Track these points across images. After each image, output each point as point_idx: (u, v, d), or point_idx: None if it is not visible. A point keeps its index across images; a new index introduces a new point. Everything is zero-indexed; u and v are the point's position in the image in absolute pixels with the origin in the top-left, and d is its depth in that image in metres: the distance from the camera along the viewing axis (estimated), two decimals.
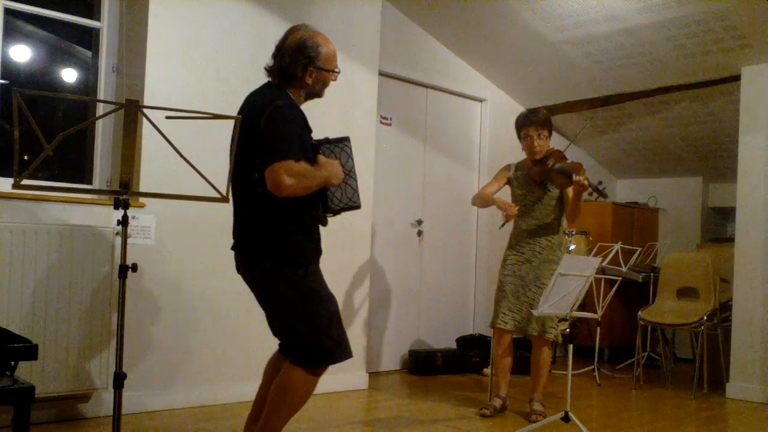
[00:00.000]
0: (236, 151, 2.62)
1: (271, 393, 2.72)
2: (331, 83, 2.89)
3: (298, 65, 2.73)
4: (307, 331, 2.67)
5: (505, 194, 4.34)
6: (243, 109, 2.77)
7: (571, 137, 6.81)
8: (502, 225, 4.10)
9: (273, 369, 2.89)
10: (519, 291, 4.14)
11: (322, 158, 2.71)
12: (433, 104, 5.89)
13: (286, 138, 2.59)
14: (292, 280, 2.66)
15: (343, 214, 2.94)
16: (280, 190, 2.53)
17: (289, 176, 2.52)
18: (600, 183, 3.79)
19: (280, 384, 2.70)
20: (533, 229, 4.17)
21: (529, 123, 4.14)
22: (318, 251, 2.80)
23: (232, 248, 2.81)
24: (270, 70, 2.80)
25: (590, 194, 3.77)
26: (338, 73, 2.87)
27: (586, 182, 3.77)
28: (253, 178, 2.62)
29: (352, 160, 2.85)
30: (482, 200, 4.26)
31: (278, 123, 2.60)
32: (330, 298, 2.77)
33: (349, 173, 2.81)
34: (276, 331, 2.85)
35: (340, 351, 2.74)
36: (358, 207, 2.86)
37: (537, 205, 4.15)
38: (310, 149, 2.70)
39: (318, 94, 2.87)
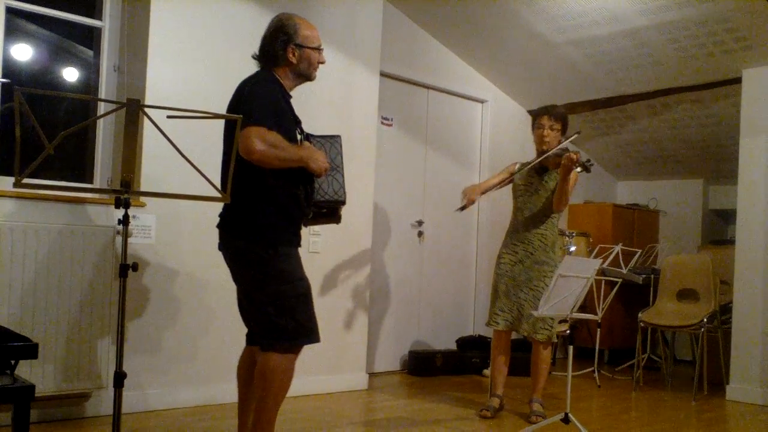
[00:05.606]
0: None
1: (254, 387, 2.75)
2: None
3: (278, 44, 2.81)
4: (273, 311, 2.69)
5: (507, 191, 4.40)
6: (233, 95, 2.83)
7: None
8: (459, 209, 4.16)
9: (245, 369, 2.90)
10: (510, 291, 4.17)
11: (306, 143, 2.80)
12: (434, 105, 5.88)
13: (260, 106, 2.64)
14: (262, 259, 2.69)
15: (344, 215, 2.95)
16: (250, 152, 2.56)
17: (260, 141, 2.55)
18: (588, 160, 3.84)
19: (258, 375, 2.71)
20: (528, 222, 4.20)
21: (545, 112, 4.23)
22: (295, 236, 2.81)
23: (217, 226, 2.86)
24: (257, 58, 2.90)
25: (576, 167, 3.85)
26: (321, 50, 2.89)
27: (574, 156, 3.82)
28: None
29: (341, 156, 2.94)
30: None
31: (255, 92, 2.69)
32: (300, 280, 2.77)
33: (338, 168, 2.89)
34: (244, 312, 2.88)
35: (304, 334, 2.74)
36: (343, 202, 2.91)
37: (534, 197, 4.19)
38: (293, 124, 2.77)
39: (307, 75, 2.89)
